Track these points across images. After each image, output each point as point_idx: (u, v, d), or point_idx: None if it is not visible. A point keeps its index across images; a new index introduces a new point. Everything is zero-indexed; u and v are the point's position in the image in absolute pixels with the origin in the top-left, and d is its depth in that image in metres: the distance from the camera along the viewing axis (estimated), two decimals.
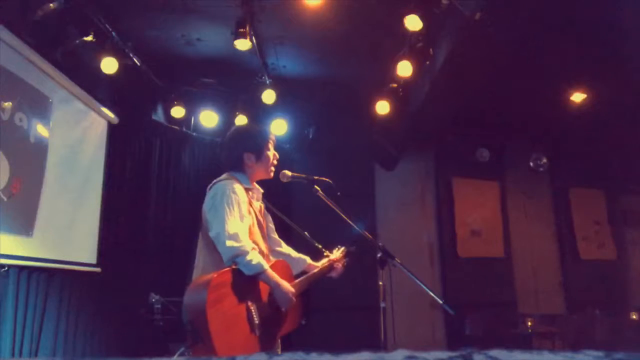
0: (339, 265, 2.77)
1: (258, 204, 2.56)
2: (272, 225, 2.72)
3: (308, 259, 2.75)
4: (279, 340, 2.51)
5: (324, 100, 6.13)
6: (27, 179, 3.80)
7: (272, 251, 2.66)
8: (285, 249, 2.75)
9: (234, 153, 2.52)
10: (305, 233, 2.77)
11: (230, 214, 2.26)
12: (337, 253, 2.81)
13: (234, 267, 2.19)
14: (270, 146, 2.56)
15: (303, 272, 2.68)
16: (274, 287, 2.26)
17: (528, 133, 7.17)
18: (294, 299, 2.31)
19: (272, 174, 2.60)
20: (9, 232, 3.54)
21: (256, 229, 2.45)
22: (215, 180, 2.46)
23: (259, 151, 2.51)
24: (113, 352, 4.67)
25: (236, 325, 2.11)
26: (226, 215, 2.25)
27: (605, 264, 7.39)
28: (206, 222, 2.36)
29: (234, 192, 2.33)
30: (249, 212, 2.40)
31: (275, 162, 2.58)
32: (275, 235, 2.74)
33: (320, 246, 2.80)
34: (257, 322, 2.18)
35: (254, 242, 2.36)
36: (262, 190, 2.61)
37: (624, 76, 5.25)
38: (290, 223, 2.81)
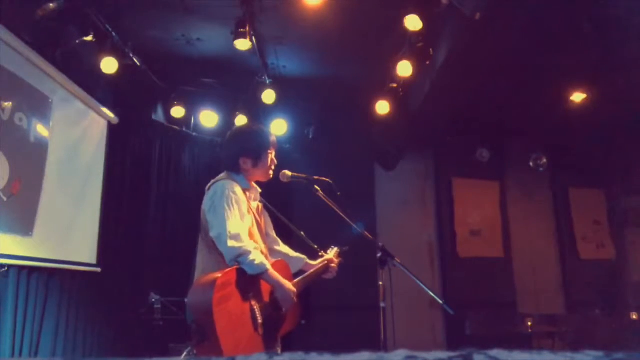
0: (333, 266, 2.77)
1: (256, 204, 2.56)
2: (270, 224, 2.72)
3: (306, 258, 2.75)
4: (279, 340, 2.52)
5: (324, 100, 6.13)
6: (27, 179, 3.80)
7: (270, 250, 2.66)
8: (283, 247, 2.76)
9: (231, 155, 2.50)
10: (302, 233, 2.77)
11: (231, 213, 2.26)
12: (330, 253, 2.81)
13: (237, 266, 2.20)
14: (270, 152, 2.52)
15: (301, 271, 2.69)
16: (277, 287, 2.27)
17: (528, 133, 7.17)
18: (295, 298, 2.32)
19: (269, 178, 2.58)
20: (9, 232, 3.54)
21: (255, 230, 2.45)
22: (213, 180, 2.46)
23: (256, 156, 2.47)
24: (113, 352, 4.67)
25: (241, 324, 2.12)
26: (227, 215, 2.25)
27: (605, 264, 7.39)
28: (205, 222, 2.36)
29: (234, 192, 2.33)
30: (248, 213, 2.40)
31: (273, 167, 2.55)
32: (273, 234, 2.74)
33: (315, 246, 2.80)
34: (260, 321, 2.19)
35: (255, 241, 2.37)
36: (260, 190, 2.61)
37: (624, 76, 5.25)
38: (288, 223, 2.81)
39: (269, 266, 2.25)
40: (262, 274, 2.23)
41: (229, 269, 2.17)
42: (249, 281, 2.21)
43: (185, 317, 2.16)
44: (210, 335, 1.99)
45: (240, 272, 2.19)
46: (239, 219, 2.29)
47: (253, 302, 2.20)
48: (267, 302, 2.28)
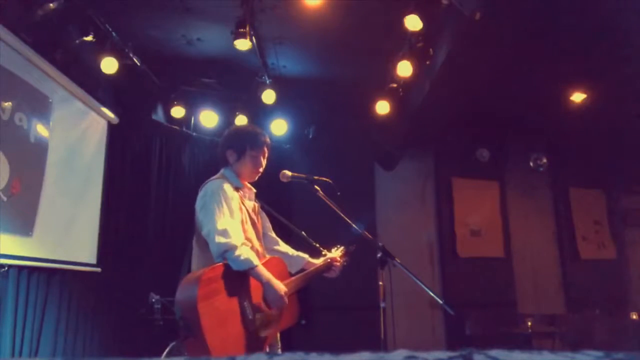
0: (337, 265, 2.76)
1: (251, 204, 2.57)
2: (268, 224, 2.72)
3: (307, 257, 2.75)
4: (278, 337, 2.51)
5: (324, 100, 6.13)
6: (27, 179, 3.80)
7: (270, 250, 2.67)
8: (283, 247, 2.75)
9: (220, 149, 2.58)
10: (303, 232, 2.77)
11: (219, 211, 2.28)
12: (335, 252, 2.80)
13: (225, 262, 2.19)
14: (257, 151, 2.53)
15: (302, 270, 2.68)
16: (265, 285, 2.25)
17: (528, 133, 7.17)
18: (285, 298, 2.29)
19: (255, 178, 2.58)
20: (9, 232, 3.54)
21: (249, 227, 2.45)
22: (207, 180, 2.48)
23: (240, 151, 2.51)
24: (113, 352, 4.67)
25: (228, 320, 2.11)
26: (216, 213, 2.27)
27: (605, 264, 7.38)
28: (198, 222, 2.37)
29: (223, 190, 2.35)
30: (240, 210, 2.40)
31: (260, 169, 2.56)
32: (273, 234, 2.74)
33: (317, 245, 2.79)
34: (250, 318, 2.18)
35: (248, 239, 2.36)
36: (254, 190, 2.62)
37: (624, 76, 5.25)
38: (287, 222, 2.81)
39: (257, 263, 2.23)
40: (249, 270, 2.21)
41: (215, 265, 2.17)
42: (239, 277, 2.20)
43: (175, 314, 2.17)
44: (195, 331, 1.99)
45: (228, 268, 2.19)
46: (229, 216, 2.29)
47: (244, 299, 2.19)
48: (259, 299, 2.26)
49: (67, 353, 4.15)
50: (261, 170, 2.58)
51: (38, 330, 3.81)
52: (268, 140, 2.60)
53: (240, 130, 2.74)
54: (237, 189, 2.46)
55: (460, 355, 0.64)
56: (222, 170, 2.54)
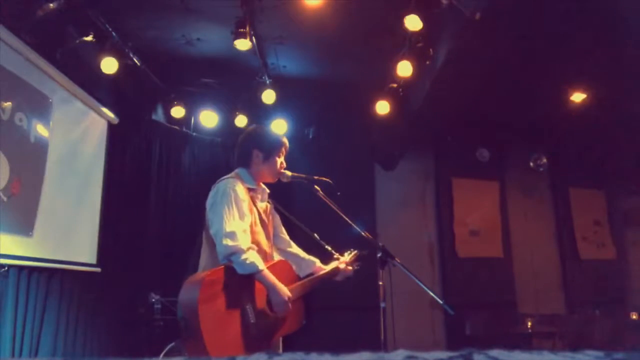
0: (349, 269, 2.75)
1: (263, 205, 2.57)
2: (280, 226, 2.72)
3: (317, 261, 2.73)
4: (280, 341, 2.50)
5: (324, 100, 6.13)
6: (27, 179, 3.80)
7: (281, 251, 2.66)
8: (295, 249, 2.74)
9: (245, 148, 2.57)
10: (315, 235, 2.76)
11: (229, 212, 2.28)
12: (347, 257, 2.78)
13: (229, 264, 2.19)
14: (281, 153, 2.58)
15: (311, 274, 2.66)
16: (270, 289, 2.25)
17: (528, 133, 7.17)
18: (289, 303, 2.27)
19: (276, 179, 2.61)
20: (9, 232, 3.54)
21: (259, 229, 2.45)
22: (219, 179, 2.47)
23: (269, 152, 2.54)
24: (113, 352, 4.67)
25: (229, 323, 2.11)
26: (225, 214, 2.27)
27: (605, 264, 7.38)
28: (207, 220, 2.37)
29: (234, 191, 2.35)
30: (250, 212, 2.40)
31: (282, 170, 2.59)
32: (285, 236, 2.74)
33: (330, 248, 2.78)
34: (252, 321, 2.17)
35: (256, 241, 2.36)
36: (268, 191, 2.62)
37: (624, 76, 5.25)
38: (300, 225, 2.79)
39: (262, 267, 2.23)
40: (254, 274, 2.21)
41: (218, 267, 2.18)
42: (243, 281, 2.20)
43: (177, 314, 2.18)
44: (195, 333, 2.00)
45: (232, 271, 2.19)
46: (238, 218, 2.29)
47: (246, 302, 2.18)
48: (263, 303, 2.26)
49: (67, 353, 4.15)
50: (283, 171, 2.61)
51: (38, 330, 3.81)
52: (287, 143, 2.65)
53: (266, 132, 2.74)
54: (250, 189, 2.46)
55: (460, 355, 0.64)
56: (236, 170, 2.54)
